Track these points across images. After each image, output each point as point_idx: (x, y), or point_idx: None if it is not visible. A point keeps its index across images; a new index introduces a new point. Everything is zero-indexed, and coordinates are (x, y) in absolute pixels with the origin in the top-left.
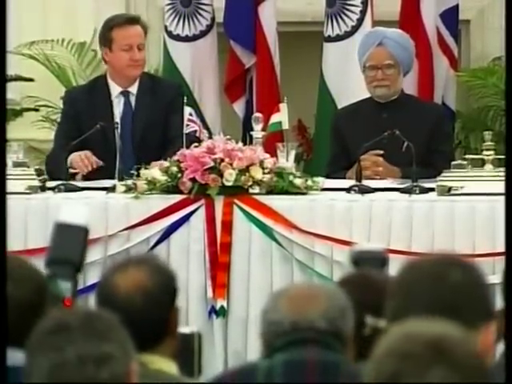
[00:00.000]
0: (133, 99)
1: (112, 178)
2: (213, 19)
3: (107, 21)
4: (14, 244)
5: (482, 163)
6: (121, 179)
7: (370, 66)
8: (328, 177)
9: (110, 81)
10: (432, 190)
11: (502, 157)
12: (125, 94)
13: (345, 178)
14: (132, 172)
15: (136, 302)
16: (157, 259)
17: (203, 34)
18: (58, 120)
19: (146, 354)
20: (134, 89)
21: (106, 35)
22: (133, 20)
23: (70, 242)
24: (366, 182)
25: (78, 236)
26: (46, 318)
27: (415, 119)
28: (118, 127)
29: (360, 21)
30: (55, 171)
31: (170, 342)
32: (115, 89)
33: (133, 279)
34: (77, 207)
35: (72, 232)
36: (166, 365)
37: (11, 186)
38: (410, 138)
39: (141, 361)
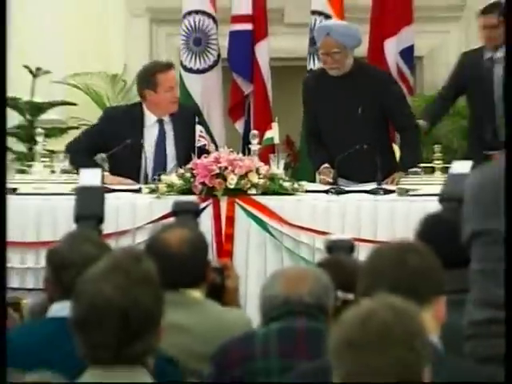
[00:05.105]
0: (166, 126)
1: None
2: (218, 55)
3: (149, 67)
4: (61, 234)
5: (432, 170)
6: (145, 183)
7: (322, 53)
8: (309, 155)
9: (146, 111)
10: (393, 191)
11: (449, 165)
12: (160, 121)
13: (323, 160)
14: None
15: (185, 251)
16: (187, 223)
17: (211, 67)
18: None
19: (190, 290)
20: (166, 117)
21: (151, 79)
22: (170, 65)
23: (91, 201)
24: (341, 186)
25: (96, 194)
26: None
27: (366, 85)
28: (143, 147)
29: None
30: (74, 161)
31: (206, 282)
32: (151, 118)
33: (180, 235)
34: (92, 172)
35: (91, 192)
36: (203, 297)
37: (60, 188)
38: (365, 102)
39: (186, 293)
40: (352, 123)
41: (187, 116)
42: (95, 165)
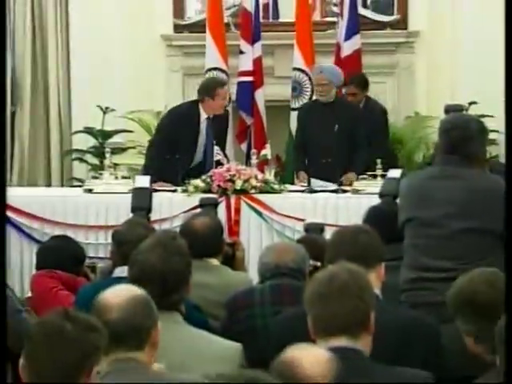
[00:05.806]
0: (211, 122)
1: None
2: (230, 98)
3: (212, 82)
4: (122, 220)
5: (375, 176)
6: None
7: (316, 84)
8: (292, 163)
9: (201, 110)
10: (348, 191)
11: (386, 173)
12: (208, 118)
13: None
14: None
15: (207, 231)
16: (209, 212)
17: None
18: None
19: (210, 259)
20: (210, 115)
21: (211, 91)
22: (225, 83)
23: (143, 197)
24: (313, 187)
25: (146, 193)
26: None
27: (342, 111)
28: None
29: (310, 99)
30: (155, 174)
31: (221, 253)
32: (203, 115)
33: (204, 221)
34: (143, 178)
35: (142, 191)
36: (219, 264)
37: (121, 189)
38: (339, 122)
39: (208, 261)
40: (330, 136)
41: (223, 115)
42: (162, 163)
